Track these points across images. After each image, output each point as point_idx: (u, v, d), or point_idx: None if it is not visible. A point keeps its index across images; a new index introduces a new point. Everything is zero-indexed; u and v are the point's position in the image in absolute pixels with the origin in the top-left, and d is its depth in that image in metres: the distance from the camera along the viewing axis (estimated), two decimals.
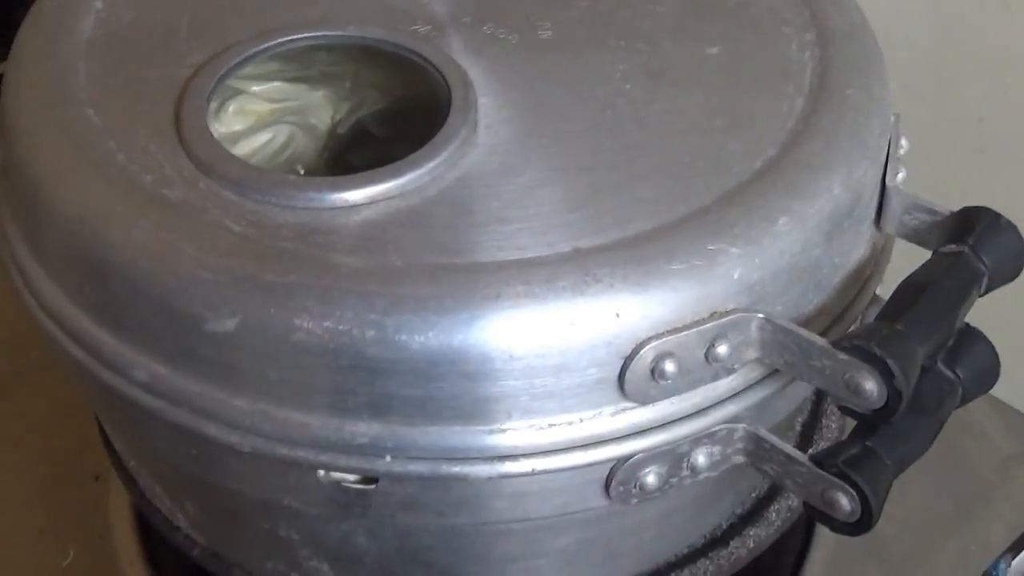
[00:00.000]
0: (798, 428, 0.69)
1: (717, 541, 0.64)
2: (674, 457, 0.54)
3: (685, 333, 0.51)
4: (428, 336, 0.50)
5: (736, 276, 0.52)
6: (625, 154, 0.56)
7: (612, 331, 0.50)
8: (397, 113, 0.67)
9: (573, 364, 0.51)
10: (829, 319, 0.56)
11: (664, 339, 0.51)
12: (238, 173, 0.54)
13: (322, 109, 0.69)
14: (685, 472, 0.55)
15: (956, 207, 0.58)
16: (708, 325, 0.51)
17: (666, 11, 0.63)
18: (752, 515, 0.65)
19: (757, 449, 0.55)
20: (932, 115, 0.81)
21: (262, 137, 0.67)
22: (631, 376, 0.51)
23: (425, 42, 0.61)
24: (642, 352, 0.51)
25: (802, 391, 0.58)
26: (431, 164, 0.55)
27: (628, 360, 0.51)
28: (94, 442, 0.73)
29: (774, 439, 0.54)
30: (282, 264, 0.51)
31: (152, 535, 0.72)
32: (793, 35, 0.62)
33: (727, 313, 0.52)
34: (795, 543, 0.72)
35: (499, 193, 0.54)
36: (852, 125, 0.57)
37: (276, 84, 0.68)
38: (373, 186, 0.54)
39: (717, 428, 0.54)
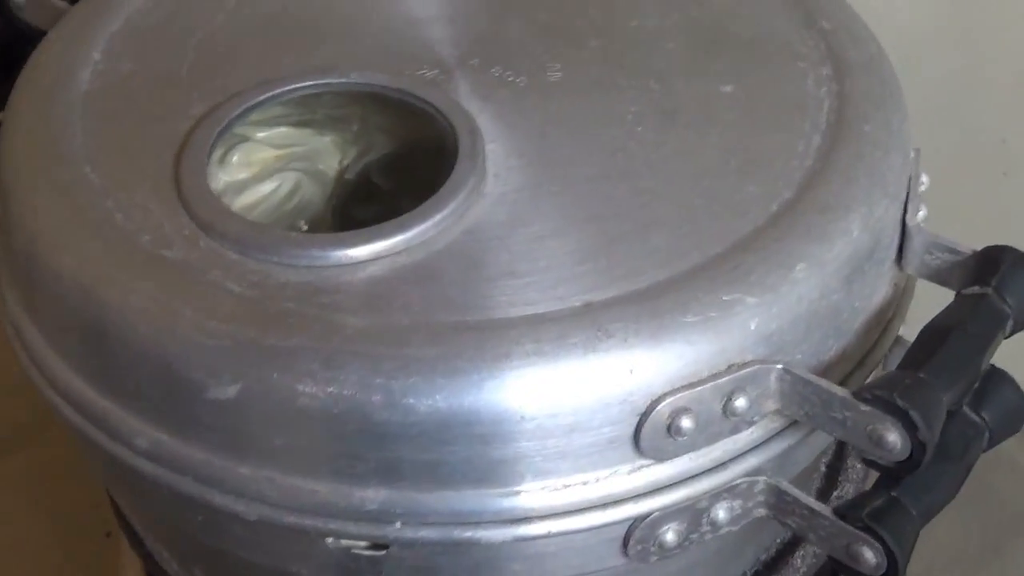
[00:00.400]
0: (823, 469, 0.67)
1: None
2: (693, 513, 0.52)
3: (701, 388, 0.49)
4: (436, 399, 0.48)
5: (753, 327, 0.50)
6: (637, 200, 0.54)
7: (626, 388, 0.49)
8: (403, 163, 0.65)
9: (586, 423, 0.49)
10: (851, 364, 0.55)
11: (680, 394, 0.49)
12: (239, 231, 0.53)
13: (329, 154, 0.68)
14: (705, 527, 0.53)
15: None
16: (725, 379, 0.50)
17: (678, 48, 0.62)
18: (777, 562, 0.64)
19: (779, 502, 0.53)
20: (954, 137, 0.79)
21: (268, 186, 0.66)
22: (647, 433, 0.49)
23: (432, 87, 0.59)
24: (658, 409, 0.49)
25: (824, 440, 0.56)
26: (438, 217, 0.53)
27: (643, 417, 0.49)
28: (104, 497, 0.72)
29: (796, 492, 0.52)
30: (285, 327, 0.49)
31: None
32: (809, 69, 0.60)
33: (745, 365, 0.50)
34: None
35: (508, 245, 0.53)
36: (871, 162, 0.56)
37: (281, 129, 0.67)
38: (379, 242, 0.52)
39: (737, 482, 0.52)
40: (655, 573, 0.56)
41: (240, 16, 0.64)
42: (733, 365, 0.50)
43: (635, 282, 0.51)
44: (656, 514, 0.51)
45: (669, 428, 0.50)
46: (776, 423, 0.52)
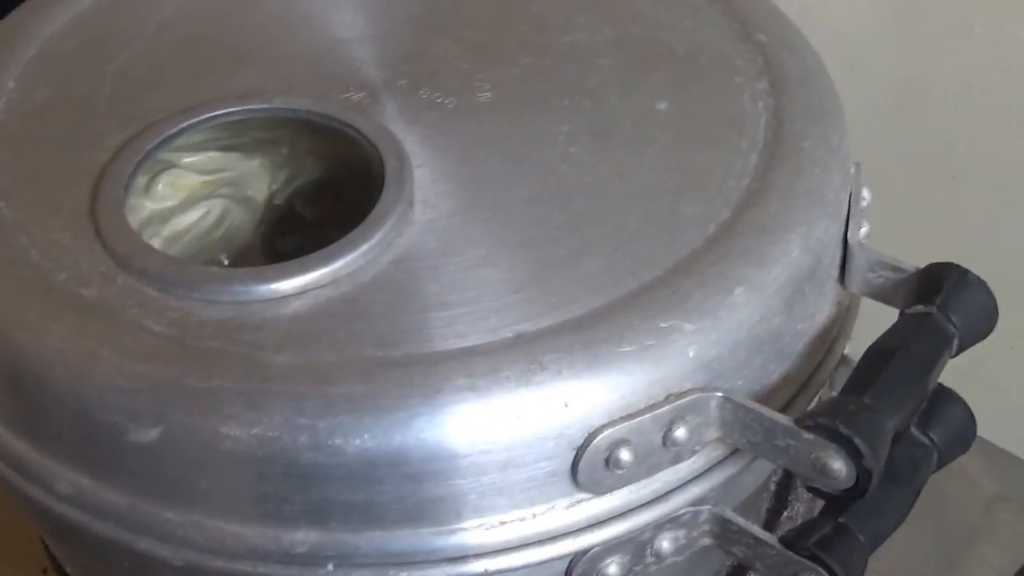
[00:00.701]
0: (772, 489, 0.66)
1: None
2: (636, 545, 0.51)
3: (640, 419, 0.48)
4: (364, 439, 0.46)
5: (691, 354, 0.49)
6: (571, 225, 0.53)
7: (561, 422, 0.47)
8: (330, 190, 0.64)
9: (521, 459, 0.47)
10: (795, 387, 0.53)
11: (617, 426, 0.48)
12: (158, 267, 0.51)
13: (259, 179, 0.66)
14: (650, 559, 0.52)
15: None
16: (664, 408, 0.48)
17: (611, 64, 0.60)
18: None
19: (723, 531, 0.52)
20: (902, 142, 0.78)
21: (195, 213, 0.64)
22: (584, 467, 0.48)
23: (357, 111, 0.57)
24: (595, 442, 0.48)
25: (768, 466, 0.54)
26: (364, 247, 0.51)
27: (580, 451, 0.48)
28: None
29: (740, 521, 0.51)
30: (206, 366, 0.48)
31: None
32: (745, 84, 0.59)
33: (684, 394, 0.49)
34: None
35: (438, 275, 0.51)
36: (809, 180, 0.54)
37: (209, 154, 0.65)
38: (303, 275, 0.50)
39: (680, 512, 0.51)
40: None
41: (159, 41, 0.62)
42: (672, 395, 0.48)
43: (569, 311, 0.49)
44: (598, 548, 0.50)
45: (607, 461, 0.48)
46: (718, 451, 0.51)
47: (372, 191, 0.55)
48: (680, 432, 0.49)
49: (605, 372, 0.48)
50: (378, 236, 0.52)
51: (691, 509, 0.51)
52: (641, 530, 0.50)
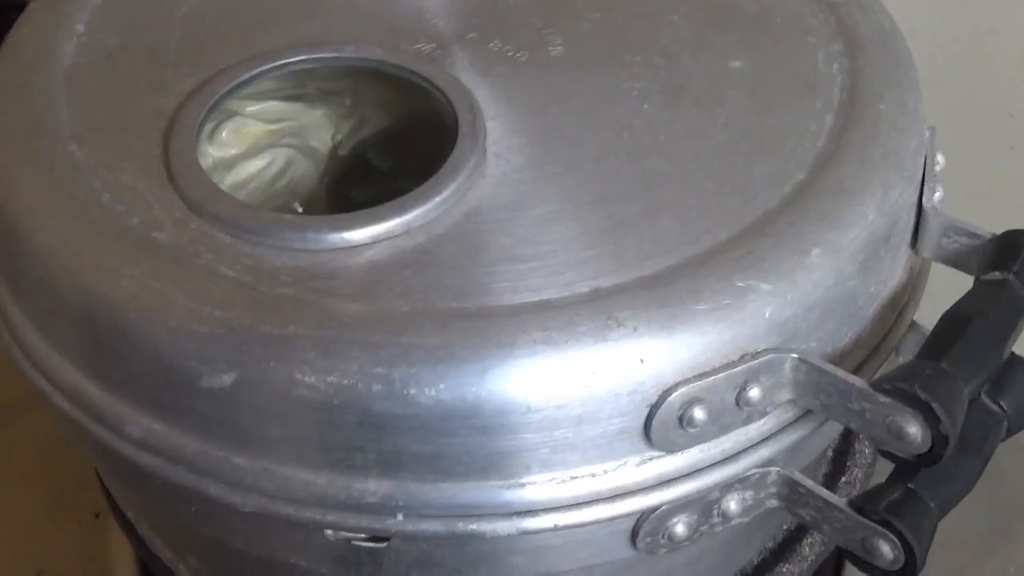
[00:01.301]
0: (830, 455, 0.66)
1: None
2: (704, 505, 0.50)
3: (714, 378, 0.48)
4: (439, 389, 0.46)
5: (767, 314, 0.48)
6: (644, 182, 0.52)
7: (637, 378, 0.47)
8: (399, 140, 0.63)
9: (595, 414, 0.47)
10: (865, 352, 0.53)
11: (692, 385, 0.47)
12: (232, 213, 0.51)
13: (322, 129, 0.65)
14: (716, 519, 0.51)
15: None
16: (739, 368, 0.48)
17: (683, 22, 0.59)
18: (784, 550, 0.62)
19: (791, 493, 0.51)
20: (959, 112, 0.77)
21: (259, 162, 0.64)
22: (657, 425, 0.48)
23: (429, 62, 0.57)
24: (669, 399, 0.47)
25: (835, 428, 0.54)
26: (438, 198, 0.51)
27: (654, 408, 0.47)
28: (93, 477, 0.70)
29: (810, 483, 0.51)
30: (281, 313, 0.48)
31: None
32: (819, 45, 0.58)
33: (758, 354, 0.48)
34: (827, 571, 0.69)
35: (511, 228, 0.51)
36: (886, 143, 0.54)
37: (272, 103, 0.64)
38: (377, 224, 0.50)
39: (749, 473, 0.50)
40: (662, 564, 0.55)
41: None
42: (746, 354, 0.48)
43: (644, 268, 0.49)
44: (666, 507, 0.50)
45: (680, 419, 0.48)
46: (789, 413, 0.51)
47: (444, 143, 0.54)
48: (753, 392, 0.48)
49: (681, 330, 0.47)
50: (452, 188, 0.51)
51: (760, 470, 0.51)
52: (710, 490, 0.50)
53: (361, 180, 0.65)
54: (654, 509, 0.50)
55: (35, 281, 0.52)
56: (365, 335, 0.47)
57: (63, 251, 0.51)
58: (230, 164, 0.62)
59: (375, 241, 0.50)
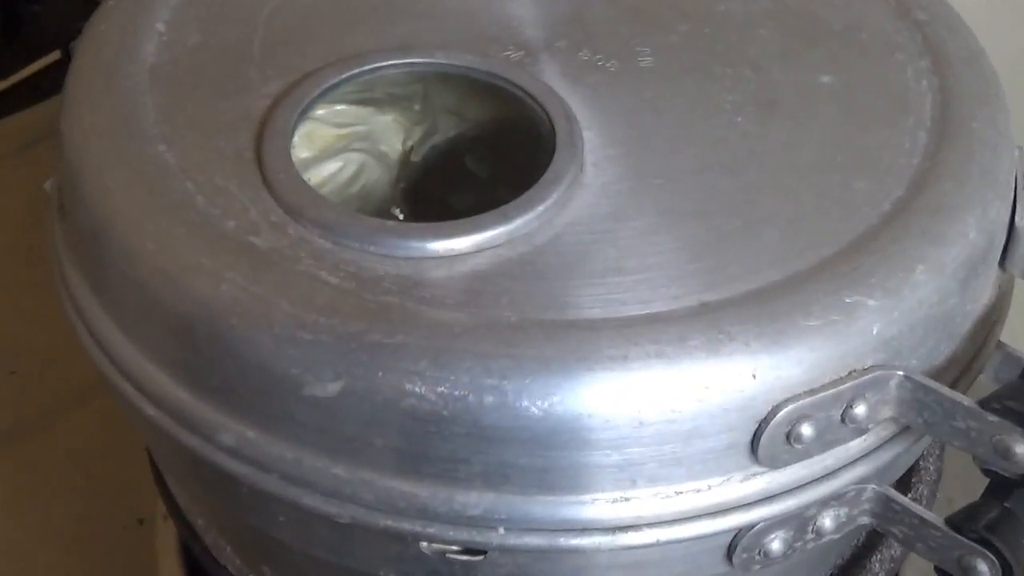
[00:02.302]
0: None
1: None
2: (801, 521, 0.50)
3: (823, 394, 0.48)
4: (552, 402, 0.46)
5: (875, 331, 0.48)
6: (744, 195, 0.52)
7: (748, 394, 0.47)
8: (486, 145, 0.63)
9: (705, 429, 0.47)
10: (958, 369, 0.53)
11: (801, 401, 0.47)
12: (332, 218, 0.50)
13: (392, 134, 0.65)
14: (810, 536, 0.51)
15: None
16: (847, 385, 0.48)
17: (771, 35, 0.59)
18: (853, 566, 0.62)
19: (885, 511, 0.51)
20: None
21: (331, 166, 0.63)
22: (765, 441, 0.47)
23: (520, 70, 0.57)
24: (779, 416, 0.47)
25: (923, 444, 0.54)
26: (540, 208, 0.51)
27: (763, 424, 0.47)
28: (137, 481, 0.69)
29: (905, 500, 0.51)
30: (389, 322, 0.47)
31: None
32: (907, 62, 0.58)
33: (866, 371, 0.48)
34: None
35: (614, 240, 0.50)
36: (981, 162, 0.54)
37: (341, 107, 0.64)
38: (480, 233, 0.50)
39: (847, 490, 0.50)
40: None
41: None
42: (854, 371, 0.48)
43: (750, 282, 0.49)
44: (765, 523, 0.49)
45: (788, 435, 0.48)
46: (887, 430, 0.51)
47: (536, 152, 0.54)
48: (859, 409, 0.48)
49: (791, 345, 0.47)
50: (553, 197, 0.51)
51: (856, 487, 0.50)
52: (808, 506, 0.50)
53: (439, 184, 0.64)
54: (753, 525, 0.49)
55: (126, 285, 0.51)
56: (476, 345, 0.46)
57: (159, 254, 0.50)
58: (303, 167, 0.62)
59: (478, 250, 0.50)
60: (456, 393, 0.46)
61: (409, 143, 0.65)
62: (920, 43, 0.59)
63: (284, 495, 0.49)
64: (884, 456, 0.51)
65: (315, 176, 0.62)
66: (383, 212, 0.64)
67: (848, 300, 0.48)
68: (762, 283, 0.49)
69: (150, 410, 0.51)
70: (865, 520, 0.52)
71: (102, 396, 0.56)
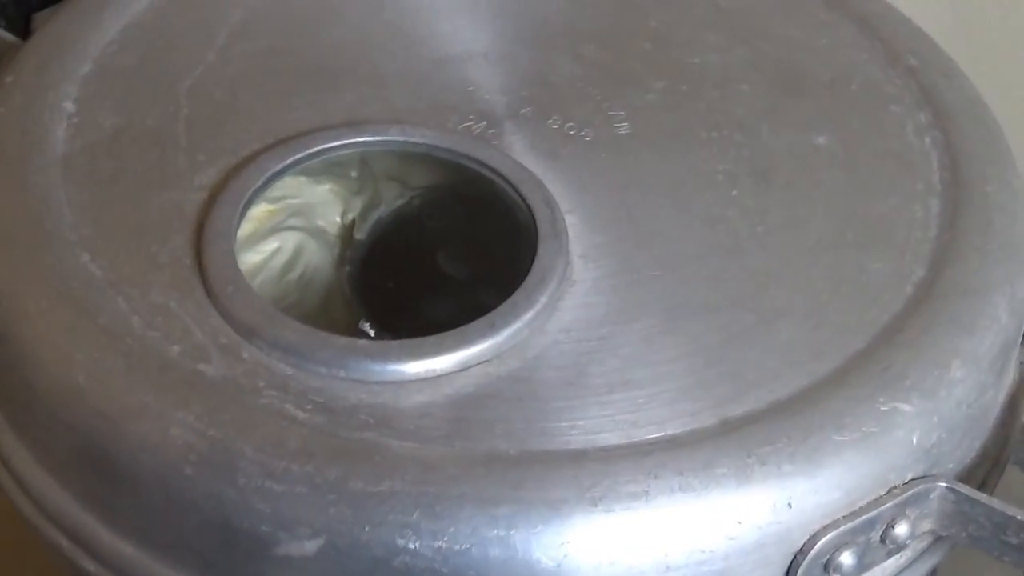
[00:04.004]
0: None
1: None
2: None
3: (864, 518, 0.42)
4: (568, 550, 0.40)
5: (915, 440, 0.43)
6: (752, 284, 0.47)
7: (784, 525, 0.41)
8: (467, 242, 0.56)
9: (738, 568, 0.42)
10: (989, 463, 0.48)
11: (841, 528, 0.42)
12: (293, 339, 0.44)
13: (329, 206, 0.58)
14: None
15: None
16: (887, 505, 0.43)
17: (754, 90, 0.54)
18: None
19: None
20: None
21: (267, 246, 0.56)
22: (802, 574, 0.42)
23: (486, 146, 0.50)
24: (817, 546, 0.42)
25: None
26: (530, 314, 0.45)
27: (799, 556, 0.42)
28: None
29: None
30: (372, 465, 0.41)
31: None
32: (906, 115, 0.53)
33: (906, 486, 0.43)
34: None
35: (616, 346, 0.45)
36: (1002, 232, 0.49)
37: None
38: (464, 349, 0.44)
39: None
40: None
41: (233, 55, 0.54)
42: (894, 488, 0.43)
43: (773, 390, 0.44)
44: None
45: (826, 565, 0.42)
46: (924, 542, 0.45)
47: (506, 236, 0.48)
48: (901, 528, 0.43)
49: (828, 465, 0.42)
50: (542, 300, 0.45)
51: None
52: None
53: (386, 267, 0.58)
54: None
55: (57, 428, 0.44)
56: (475, 489, 0.40)
57: (94, 392, 0.43)
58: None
59: (463, 368, 0.44)
60: (456, 547, 0.40)
61: (350, 216, 0.58)
62: (916, 92, 0.54)
63: None
64: (920, 570, 0.46)
65: (249, 260, 0.55)
66: (329, 301, 0.57)
67: (883, 408, 0.43)
68: (786, 391, 0.44)
69: (90, 566, 0.45)
70: None
71: None
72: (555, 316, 0.45)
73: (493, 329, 0.44)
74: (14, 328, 0.45)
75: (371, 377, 0.43)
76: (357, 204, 0.58)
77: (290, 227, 0.57)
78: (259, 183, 0.48)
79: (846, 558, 0.42)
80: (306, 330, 0.44)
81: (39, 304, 0.45)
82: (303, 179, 0.58)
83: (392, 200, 0.58)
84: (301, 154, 0.50)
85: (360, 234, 0.58)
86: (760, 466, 0.41)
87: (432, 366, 0.43)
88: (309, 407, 0.42)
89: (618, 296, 0.46)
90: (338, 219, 0.59)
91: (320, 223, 0.58)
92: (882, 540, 0.43)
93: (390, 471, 0.41)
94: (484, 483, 0.40)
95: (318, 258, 0.57)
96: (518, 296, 0.45)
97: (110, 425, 0.43)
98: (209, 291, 0.45)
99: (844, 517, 0.42)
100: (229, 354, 0.44)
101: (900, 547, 0.44)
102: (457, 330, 0.44)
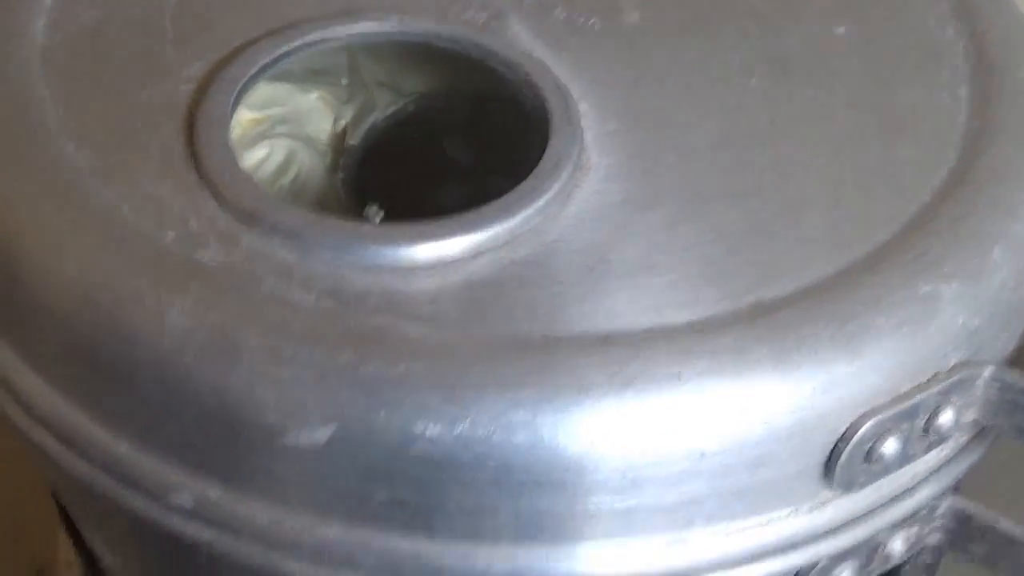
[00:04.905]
0: None
1: None
2: (871, 548, 0.43)
3: (908, 403, 0.40)
4: (597, 436, 0.37)
5: (958, 324, 0.41)
6: (775, 172, 0.45)
7: (823, 410, 0.39)
8: (473, 129, 0.54)
9: (774, 456, 0.39)
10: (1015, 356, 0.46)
11: (883, 414, 0.40)
12: (296, 224, 0.41)
13: (319, 115, 0.56)
14: (876, 564, 0.44)
15: None
16: (932, 390, 0.40)
17: None
18: None
19: (961, 527, 0.44)
20: None
21: (256, 153, 0.54)
22: (843, 462, 0.40)
23: (491, 35, 0.48)
24: (859, 432, 0.39)
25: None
26: (546, 197, 0.42)
27: (840, 443, 0.40)
28: (35, 525, 0.59)
29: (988, 514, 0.44)
30: (386, 348, 0.38)
31: None
32: (927, 4, 0.51)
33: (951, 371, 0.41)
34: None
35: (636, 232, 0.42)
36: None
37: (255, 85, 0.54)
38: (477, 233, 0.41)
39: (921, 508, 0.43)
40: None
41: None
42: (938, 373, 0.41)
43: (804, 276, 0.41)
44: (835, 555, 0.42)
45: (868, 454, 0.40)
46: (964, 435, 0.43)
47: (522, 131, 0.45)
48: (945, 416, 0.41)
49: (868, 350, 0.40)
50: (557, 185, 0.43)
51: (931, 503, 0.43)
52: (882, 531, 0.42)
53: (382, 170, 0.55)
54: (822, 559, 0.42)
55: (44, 320, 0.41)
56: (498, 372, 0.38)
57: (85, 280, 0.40)
58: None
59: (476, 253, 0.41)
60: (479, 433, 0.37)
61: (341, 123, 0.55)
62: None
63: (258, 563, 0.40)
64: (962, 465, 0.44)
65: None
66: (323, 207, 0.55)
67: (923, 291, 0.41)
68: (818, 277, 0.41)
69: (81, 467, 0.42)
70: (935, 539, 0.45)
71: None
72: (570, 202, 0.43)
73: (507, 213, 0.42)
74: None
75: (380, 262, 0.41)
76: (348, 112, 0.56)
77: (279, 134, 0.54)
78: (253, 70, 0.46)
79: (888, 446, 0.40)
80: (309, 215, 0.42)
81: (22, 194, 0.43)
82: (288, 87, 0.55)
83: (386, 107, 0.55)
84: (296, 43, 0.47)
85: (353, 140, 0.55)
86: (797, 349, 0.39)
87: (444, 250, 0.41)
88: (315, 293, 0.40)
89: (635, 183, 0.44)
90: (329, 127, 0.56)
91: (310, 132, 0.56)
92: (925, 430, 0.41)
93: (406, 354, 0.38)
94: (507, 365, 0.38)
95: (310, 164, 0.54)
96: (532, 181, 0.43)
97: (102, 314, 0.40)
98: (204, 178, 0.43)
99: (886, 403, 0.40)
100: (228, 241, 0.41)
101: (943, 438, 0.42)
102: (469, 213, 0.42)
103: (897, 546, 0.44)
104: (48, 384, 0.42)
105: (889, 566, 0.44)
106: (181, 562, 0.43)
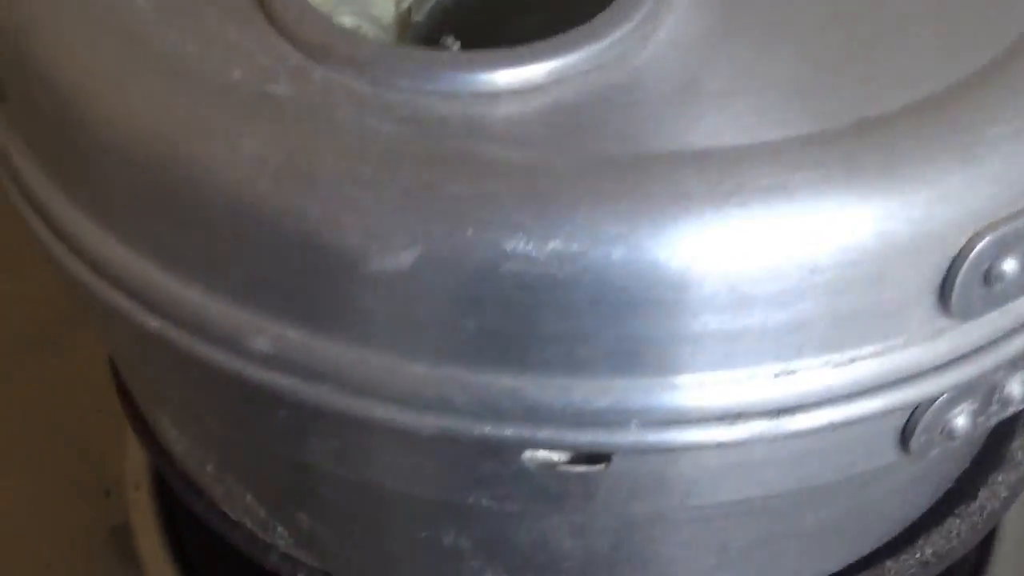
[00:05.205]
0: None
1: (964, 494, 0.50)
2: (988, 388, 0.40)
3: None
4: (697, 248, 0.35)
5: None
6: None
7: (940, 222, 0.37)
8: None
9: (887, 273, 0.37)
10: None
11: (1003, 228, 0.37)
12: (370, 55, 0.39)
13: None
14: (994, 407, 0.41)
15: None
16: None
17: None
18: (990, 457, 0.52)
19: None
20: None
21: None
22: (960, 283, 0.37)
23: None
24: (977, 248, 0.37)
25: None
26: (632, 22, 0.40)
27: (957, 261, 0.37)
28: (101, 445, 0.57)
29: None
30: (471, 168, 0.36)
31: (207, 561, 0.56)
32: None
33: None
34: None
35: (728, 55, 0.40)
36: None
37: None
38: (563, 56, 0.39)
39: None
40: (912, 472, 0.44)
41: None
42: None
43: (913, 92, 0.38)
44: (953, 391, 0.39)
45: (987, 274, 0.37)
46: None
47: None
48: None
49: (983, 160, 0.37)
50: (644, 9, 0.40)
51: None
52: (1001, 367, 0.40)
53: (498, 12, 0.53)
54: (939, 395, 0.39)
55: (108, 164, 0.39)
56: (592, 185, 0.35)
57: (152, 115, 0.38)
58: None
59: (561, 79, 0.39)
60: (573, 248, 0.35)
61: (405, 4, 0.53)
62: None
63: (342, 409, 0.38)
64: None
65: None
66: None
67: None
68: (925, 93, 0.39)
69: (152, 321, 0.40)
70: None
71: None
72: (658, 30, 0.40)
73: (593, 37, 0.39)
74: (59, 64, 0.40)
75: (459, 89, 0.38)
76: None
77: (344, 12, 0.52)
78: None
79: (1009, 265, 0.38)
80: (383, 46, 0.40)
81: (85, 38, 0.41)
82: None
83: None
84: None
85: (419, 16, 0.53)
86: (908, 159, 0.37)
87: (527, 75, 0.39)
88: (393, 120, 0.37)
89: (724, 10, 0.41)
90: (392, 7, 0.53)
91: (375, 12, 0.53)
92: None
93: (492, 171, 0.36)
94: (601, 179, 0.36)
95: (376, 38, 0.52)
96: (617, 6, 0.40)
97: (171, 147, 0.38)
98: (272, 17, 0.40)
99: (1006, 217, 0.37)
100: (299, 76, 0.39)
101: None
102: (552, 38, 0.39)
103: (1016, 388, 0.41)
104: (114, 235, 0.40)
105: (1008, 412, 0.42)
106: (259, 421, 0.41)
